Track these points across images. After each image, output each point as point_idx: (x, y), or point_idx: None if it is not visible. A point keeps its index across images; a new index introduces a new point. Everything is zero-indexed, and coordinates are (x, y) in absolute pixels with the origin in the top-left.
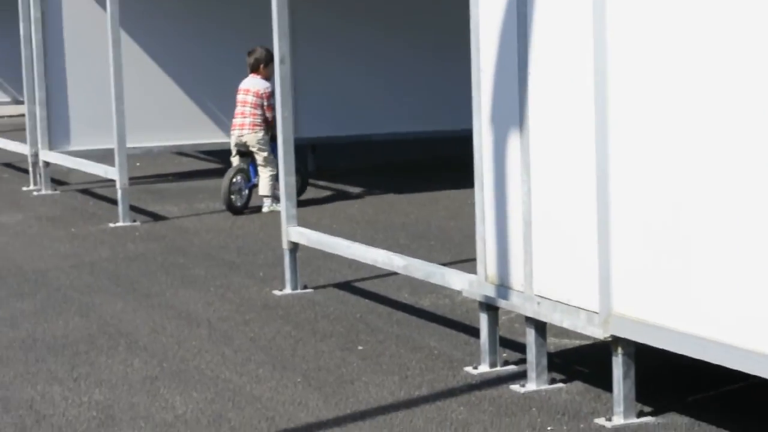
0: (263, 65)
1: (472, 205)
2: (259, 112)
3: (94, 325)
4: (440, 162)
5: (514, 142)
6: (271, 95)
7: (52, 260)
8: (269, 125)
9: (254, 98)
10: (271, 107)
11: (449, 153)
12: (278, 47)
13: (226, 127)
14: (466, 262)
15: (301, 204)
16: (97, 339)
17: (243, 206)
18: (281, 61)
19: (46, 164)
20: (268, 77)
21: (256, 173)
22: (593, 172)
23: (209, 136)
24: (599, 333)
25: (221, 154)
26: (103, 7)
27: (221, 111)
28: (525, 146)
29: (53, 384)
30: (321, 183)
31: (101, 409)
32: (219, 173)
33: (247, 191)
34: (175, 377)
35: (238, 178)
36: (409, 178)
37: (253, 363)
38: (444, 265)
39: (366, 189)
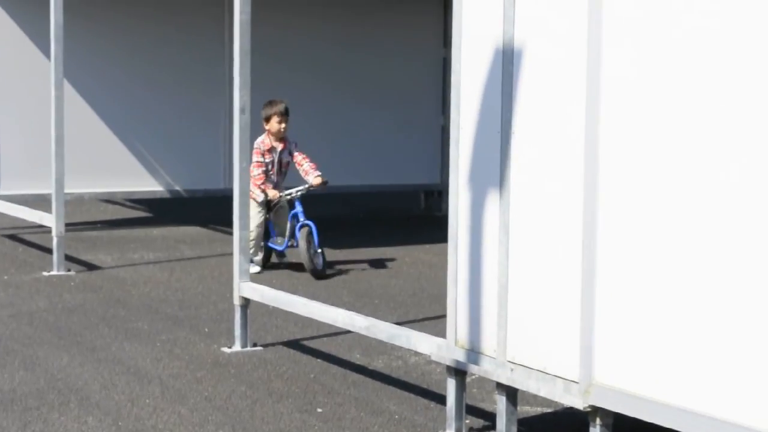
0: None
1: (412, 263)
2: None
3: (41, 380)
4: (375, 217)
5: (492, 202)
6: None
7: None
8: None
9: None
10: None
11: (384, 208)
12: (239, 97)
13: (158, 174)
14: (414, 322)
15: None
16: (47, 394)
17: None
18: (241, 111)
19: None
20: (270, 131)
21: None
22: (579, 238)
23: (142, 184)
24: (578, 402)
25: (149, 202)
26: (38, 46)
27: (156, 159)
28: (504, 207)
29: None
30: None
31: None
32: (147, 222)
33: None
34: None
35: None
36: (343, 232)
37: (212, 424)
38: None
39: None
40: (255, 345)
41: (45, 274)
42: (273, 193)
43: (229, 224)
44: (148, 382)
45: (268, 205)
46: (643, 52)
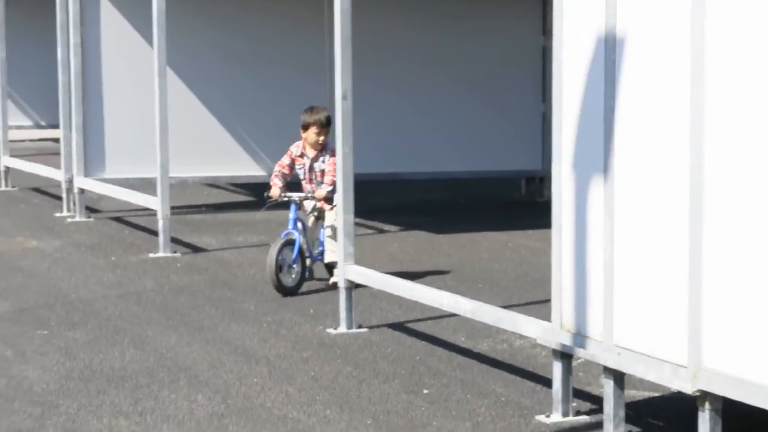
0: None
1: (514, 248)
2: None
3: (150, 358)
4: (477, 203)
5: (596, 187)
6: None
7: (97, 289)
8: None
9: None
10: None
11: (485, 194)
12: (341, 83)
13: (260, 159)
14: (518, 306)
15: None
16: (157, 372)
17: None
18: (343, 97)
19: (81, 191)
20: (306, 140)
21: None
22: (686, 221)
23: (244, 168)
24: (687, 387)
25: (252, 187)
26: (142, 34)
27: (258, 145)
28: (609, 192)
29: (119, 417)
30: (358, 220)
31: None
32: (251, 206)
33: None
34: (242, 415)
35: None
36: (446, 218)
37: (319, 403)
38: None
39: (404, 227)
40: (360, 327)
41: (151, 255)
42: (274, 191)
43: None
44: (256, 362)
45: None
46: (748, 37)
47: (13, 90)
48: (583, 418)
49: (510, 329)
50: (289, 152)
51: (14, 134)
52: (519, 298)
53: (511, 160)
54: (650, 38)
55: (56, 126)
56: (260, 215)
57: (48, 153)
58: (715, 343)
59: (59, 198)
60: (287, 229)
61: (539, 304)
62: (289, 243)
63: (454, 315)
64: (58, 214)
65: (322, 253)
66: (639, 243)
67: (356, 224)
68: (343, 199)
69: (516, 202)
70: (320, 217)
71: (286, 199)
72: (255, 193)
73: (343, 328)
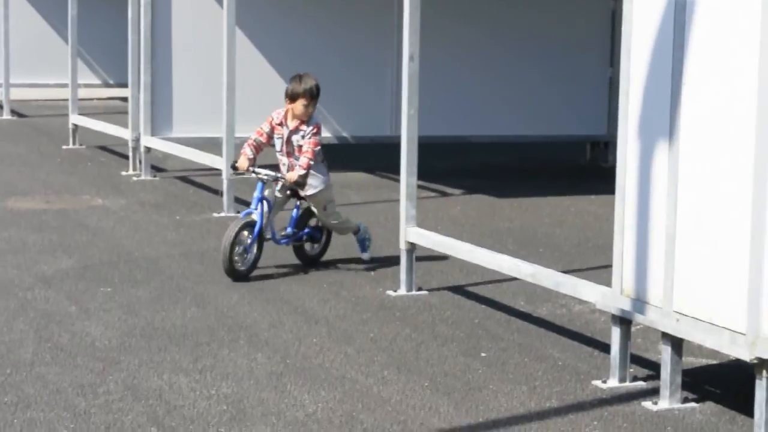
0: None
1: (577, 213)
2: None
3: (211, 316)
4: (540, 167)
5: (661, 152)
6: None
7: (161, 248)
8: None
9: None
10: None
11: (549, 158)
12: (408, 44)
13: (326, 121)
14: (578, 271)
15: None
16: (217, 331)
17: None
18: (410, 59)
19: (147, 150)
20: (292, 112)
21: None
22: (749, 189)
23: None
24: (745, 354)
25: None
26: None
27: (324, 106)
28: (674, 157)
29: (179, 374)
30: (420, 182)
31: (231, 402)
32: None
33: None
34: (301, 374)
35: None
36: (508, 182)
37: (377, 364)
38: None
39: (466, 191)
40: (420, 289)
41: (215, 215)
42: (242, 161)
43: (396, 171)
44: (315, 323)
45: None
46: None
47: (83, 48)
48: (640, 384)
49: (570, 294)
50: (269, 119)
51: (83, 92)
52: (580, 264)
53: (576, 125)
54: (720, 2)
55: (124, 85)
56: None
57: (115, 112)
58: None
59: (125, 157)
60: (250, 207)
61: (600, 270)
62: (249, 224)
63: (513, 279)
64: (124, 173)
65: (288, 236)
66: (701, 209)
67: (419, 187)
68: (407, 161)
69: (580, 166)
70: (293, 194)
71: (253, 174)
72: None
73: (402, 291)
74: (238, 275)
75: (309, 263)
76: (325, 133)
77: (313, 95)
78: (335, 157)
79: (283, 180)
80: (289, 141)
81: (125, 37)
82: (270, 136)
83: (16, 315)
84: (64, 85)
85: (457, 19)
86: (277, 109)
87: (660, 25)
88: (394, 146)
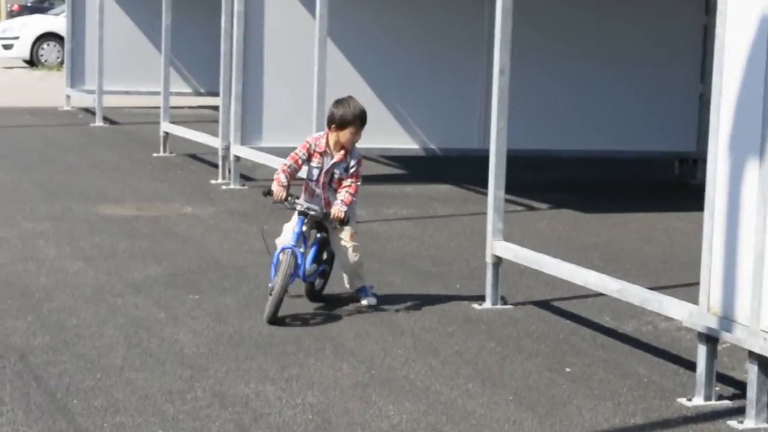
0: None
1: (664, 230)
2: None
3: (297, 326)
4: (628, 183)
5: (752, 169)
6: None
7: (249, 256)
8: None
9: None
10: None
11: (637, 174)
12: (499, 58)
13: (414, 132)
14: (664, 288)
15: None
16: (303, 340)
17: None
18: (501, 72)
19: (237, 159)
20: (337, 140)
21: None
22: None
23: (397, 141)
24: None
25: (403, 160)
26: (304, 4)
27: (413, 118)
28: (764, 174)
29: (266, 383)
30: (507, 196)
31: (316, 412)
32: (401, 179)
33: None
34: (386, 385)
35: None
36: (595, 197)
37: (462, 377)
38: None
39: (553, 205)
40: (505, 303)
41: None
42: (278, 190)
43: (483, 184)
44: (401, 334)
45: (285, 199)
46: None
47: (175, 57)
48: (726, 403)
49: (656, 311)
50: (305, 145)
51: (174, 101)
52: (667, 281)
53: (665, 141)
54: None
55: (215, 94)
56: (411, 189)
57: (206, 120)
58: None
59: (215, 165)
60: (288, 242)
61: (687, 287)
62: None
63: (599, 294)
64: (213, 181)
65: (313, 273)
66: None
67: (506, 201)
68: (495, 174)
69: (668, 183)
70: (318, 227)
71: (295, 207)
72: (407, 167)
73: (488, 304)
74: (278, 321)
75: (315, 298)
76: (412, 145)
77: (363, 121)
78: (422, 168)
79: (326, 216)
80: (328, 172)
81: (218, 46)
82: (304, 163)
83: (107, 320)
84: (156, 93)
85: (547, 33)
86: (313, 135)
87: (753, 40)
88: (481, 159)
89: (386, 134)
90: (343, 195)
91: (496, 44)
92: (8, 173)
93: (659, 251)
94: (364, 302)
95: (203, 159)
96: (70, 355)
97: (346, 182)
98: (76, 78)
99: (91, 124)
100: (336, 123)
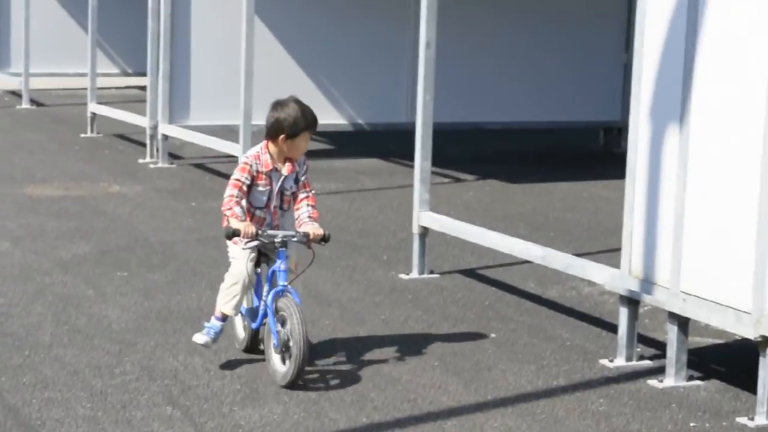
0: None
1: (589, 198)
2: None
3: None
4: (553, 153)
5: (672, 135)
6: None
7: (177, 233)
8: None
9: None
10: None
11: (562, 144)
12: (425, 31)
13: (341, 108)
14: (589, 255)
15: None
16: None
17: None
18: (427, 45)
19: (165, 137)
20: (280, 150)
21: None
22: (757, 172)
23: (325, 116)
24: (749, 333)
25: (331, 135)
26: None
27: (340, 93)
28: (684, 141)
29: (194, 356)
30: (434, 168)
31: (245, 382)
32: (330, 154)
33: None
34: (315, 355)
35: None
36: (521, 167)
37: (388, 344)
38: None
39: (479, 176)
40: (432, 272)
41: None
42: (245, 226)
43: (410, 157)
44: (328, 305)
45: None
46: None
47: (102, 37)
48: (646, 363)
49: (579, 276)
50: (244, 168)
51: (101, 82)
52: (590, 247)
53: (591, 111)
54: None
55: (142, 74)
56: (339, 163)
57: (133, 100)
58: None
59: (143, 144)
60: (281, 285)
61: (610, 253)
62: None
63: (525, 262)
64: (141, 160)
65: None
66: (710, 192)
67: (432, 173)
68: (421, 146)
69: (593, 152)
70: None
71: (271, 240)
72: (334, 141)
73: (415, 274)
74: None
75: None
76: (340, 120)
77: (317, 124)
78: (350, 143)
79: (308, 239)
80: (282, 191)
81: (144, 26)
82: (249, 189)
83: (35, 299)
84: (83, 75)
85: (472, 6)
86: (246, 154)
87: (674, 9)
88: (408, 133)
89: (314, 110)
90: (308, 210)
91: (422, 17)
92: None
93: (584, 219)
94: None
95: (131, 139)
96: None
97: (302, 195)
98: (1, 61)
99: (18, 107)
100: (287, 131)
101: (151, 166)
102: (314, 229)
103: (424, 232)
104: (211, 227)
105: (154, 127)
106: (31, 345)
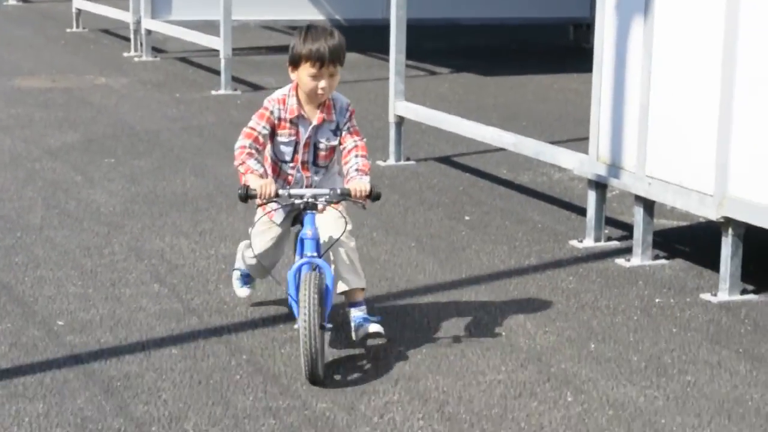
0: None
1: (559, 90)
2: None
3: (210, 185)
4: (525, 48)
5: (637, 27)
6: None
7: (162, 122)
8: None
9: None
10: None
11: (534, 40)
12: None
13: (319, 4)
14: (559, 143)
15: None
16: (215, 198)
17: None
18: None
19: (148, 32)
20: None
21: None
22: (719, 58)
23: (302, 12)
24: (712, 214)
25: None
26: None
27: None
28: (648, 31)
29: (180, 237)
30: (409, 62)
31: (229, 263)
32: None
33: None
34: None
35: None
36: (495, 61)
37: (366, 227)
38: None
39: (454, 70)
40: (408, 159)
41: (213, 92)
42: (263, 186)
43: (387, 52)
44: None
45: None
46: None
47: None
48: (614, 244)
49: (549, 161)
50: (263, 113)
51: None
52: (560, 136)
53: (561, 7)
54: None
55: None
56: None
57: None
58: (741, 173)
59: (127, 39)
60: (307, 256)
61: (580, 141)
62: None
63: (498, 150)
64: (126, 54)
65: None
66: (674, 80)
67: (408, 66)
68: (396, 38)
69: (563, 47)
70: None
71: (294, 202)
72: None
73: (391, 161)
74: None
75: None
76: (318, 16)
77: (328, 60)
78: None
79: (348, 197)
80: (315, 144)
81: None
82: (266, 141)
83: (25, 184)
84: None
85: None
86: (270, 97)
87: None
88: (385, 29)
89: (292, 5)
90: (357, 163)
91: None
92: None
93: (554, 109)
94: (372, 330)
95: (116, 33)
96: None
97: (349, 143)
98: None
99: (5, 3)
100: (314, 60)
101: (136, 59)
102: (357, 185)
103: (400, 120)
104: (194, 117)
105: (138, 22)
106: (23, 227)
